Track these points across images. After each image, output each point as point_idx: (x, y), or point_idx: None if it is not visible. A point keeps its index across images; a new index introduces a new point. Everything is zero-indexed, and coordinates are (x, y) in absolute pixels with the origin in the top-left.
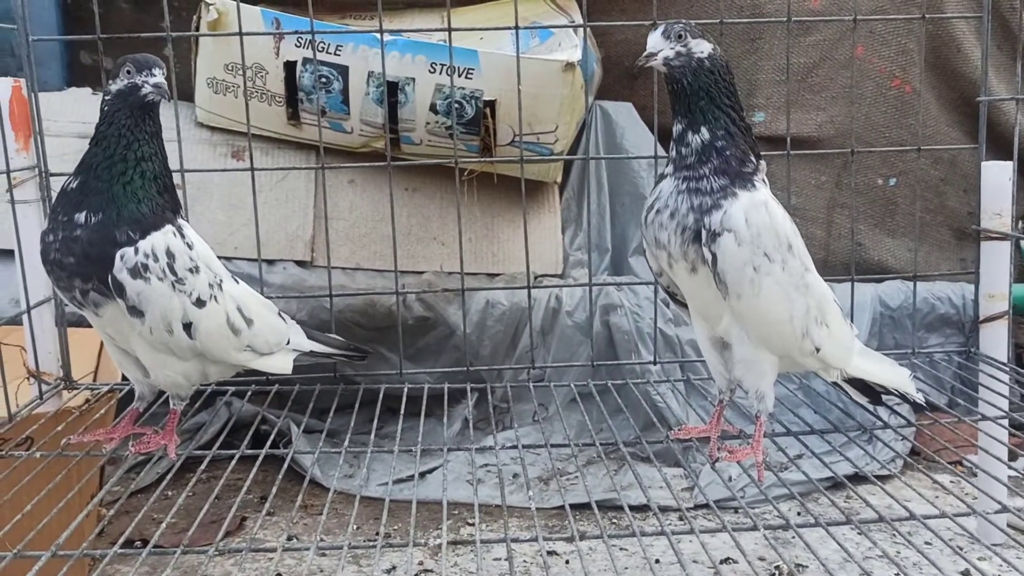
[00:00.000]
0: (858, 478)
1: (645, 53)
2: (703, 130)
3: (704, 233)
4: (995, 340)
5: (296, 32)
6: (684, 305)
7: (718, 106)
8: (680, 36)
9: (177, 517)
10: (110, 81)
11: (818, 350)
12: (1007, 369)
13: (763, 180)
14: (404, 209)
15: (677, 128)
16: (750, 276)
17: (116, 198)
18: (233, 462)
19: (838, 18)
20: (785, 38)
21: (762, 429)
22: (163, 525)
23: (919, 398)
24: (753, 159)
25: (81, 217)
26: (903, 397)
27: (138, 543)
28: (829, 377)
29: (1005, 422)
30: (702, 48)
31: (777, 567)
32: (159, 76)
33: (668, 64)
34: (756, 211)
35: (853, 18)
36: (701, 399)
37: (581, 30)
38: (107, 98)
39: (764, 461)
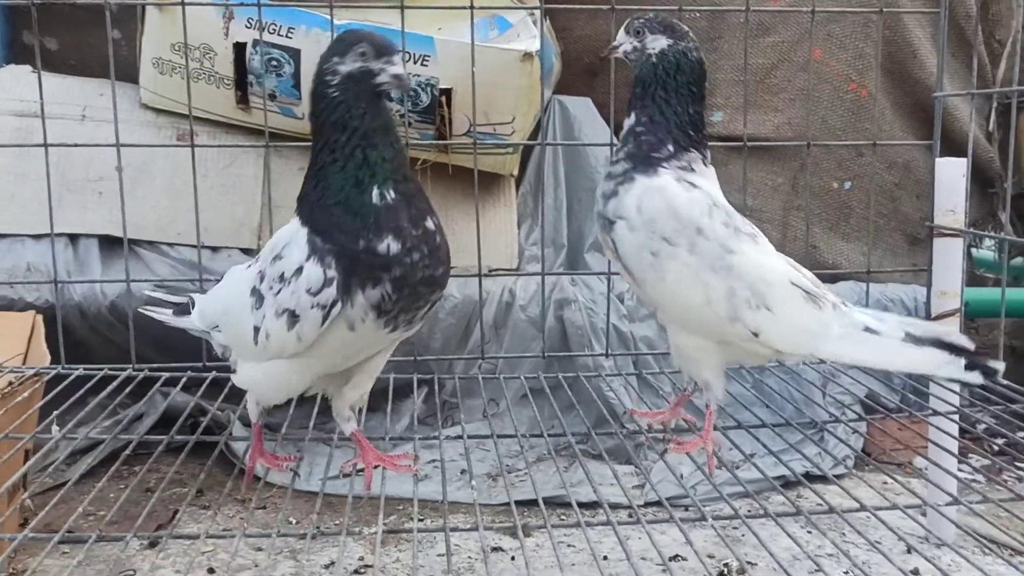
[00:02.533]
0: (812, 477)
1: (611, 44)
2: (632, 115)
3: (605, 221)
4: None
5: (242, 3)
6: None
7: (650, 95)
8: (638, 32)
9: (105, 508)
10: (334, 58)
11: (756, 335)
12: None
13: (681, 168)
14: None
15: None
16: (649, 261)
17: (423, 193)
18: (160, 448)
19: (796, 9)
20: (744, 39)
21: (711, 419)
22: (79, 510)
23: (971, 378)
24: (669, 146)
25: (431, 223)
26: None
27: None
28: (788, 361)
29: (956, 417)
30: (656, 44)
31: (726, 564)
32: (400, 66)
33: (626, 57)
34: (648, 196)
35: (811, 10)
36: (654, 395)
37: (540, 22)
38: (332, 80)
39: (716, 455)
